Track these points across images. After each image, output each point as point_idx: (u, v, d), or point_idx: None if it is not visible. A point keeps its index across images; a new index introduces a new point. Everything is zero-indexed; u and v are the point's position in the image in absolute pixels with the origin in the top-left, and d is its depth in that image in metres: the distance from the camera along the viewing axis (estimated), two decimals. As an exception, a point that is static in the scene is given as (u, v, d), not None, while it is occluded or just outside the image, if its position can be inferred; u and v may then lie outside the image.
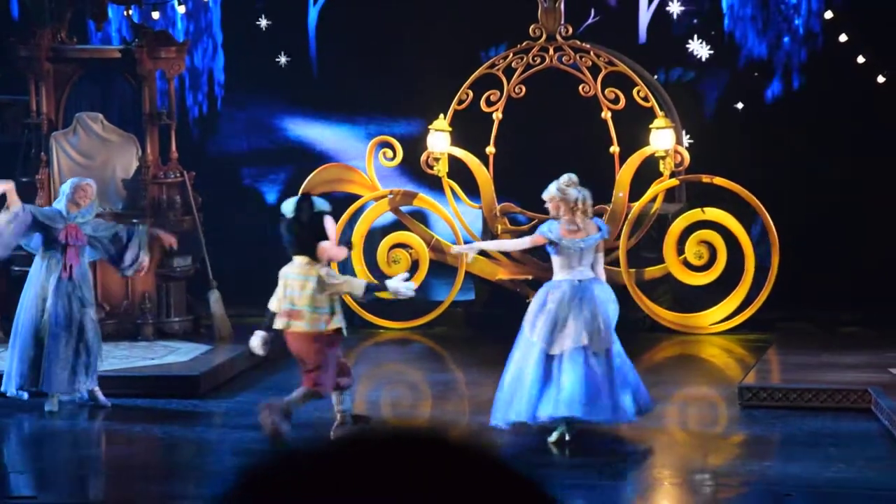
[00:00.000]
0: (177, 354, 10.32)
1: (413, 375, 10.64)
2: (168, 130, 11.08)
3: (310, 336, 8.41)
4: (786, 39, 14.27)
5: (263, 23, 15.06)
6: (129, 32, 11.08)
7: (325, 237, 8.40)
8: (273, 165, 15.16)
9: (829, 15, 13.27)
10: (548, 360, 8.42)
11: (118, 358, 10.20)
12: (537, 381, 8.36)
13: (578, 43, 12.14)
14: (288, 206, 8.48)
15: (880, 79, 13.51)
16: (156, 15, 12.94)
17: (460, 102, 11.97)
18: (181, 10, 14.10)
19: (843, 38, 13.10)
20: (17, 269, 11.02)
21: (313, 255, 8.42)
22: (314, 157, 14.89)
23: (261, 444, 8.54)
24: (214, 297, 10.81)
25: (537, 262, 11.83)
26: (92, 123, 10.98)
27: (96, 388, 9.29)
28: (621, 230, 11.51)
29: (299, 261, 8.49)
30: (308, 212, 8.42)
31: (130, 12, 11.20)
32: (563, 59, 11.93)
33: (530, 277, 11.85)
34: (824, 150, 13.93)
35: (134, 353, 10.36)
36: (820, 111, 14.06)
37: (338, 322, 8.38)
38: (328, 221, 8.46)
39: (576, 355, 8.34)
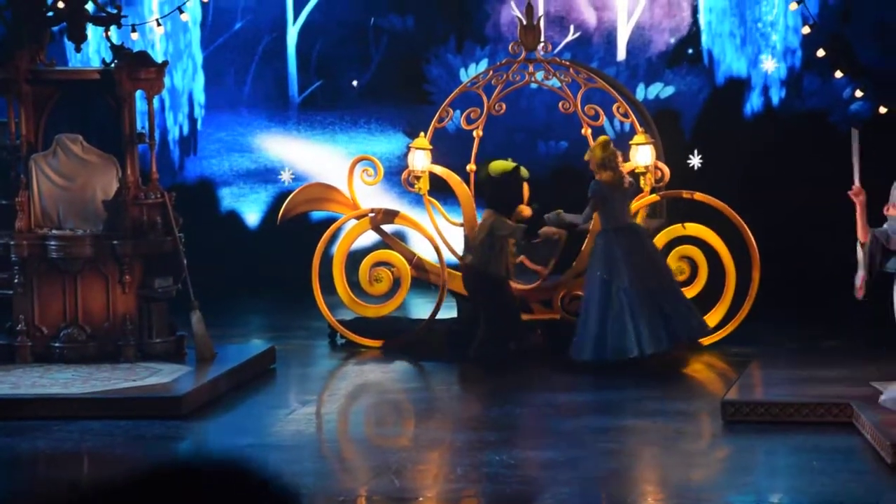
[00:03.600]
0: (159, 375, 10.29)
1: (396, 394, 10.63)
2: (148, 151, 11.07)
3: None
4: (764, 55, 14.34)
5: (243, 41, 15.09)
6: (108, 53, 11.06)
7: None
8: (253, 185, 15.16)
9: (806, 30, 13.33)
10: None
11: (99, 380, 10.16)
12: None
13: (558, 60, 12.17)
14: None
15: (858, 93, 13.58)
16: (135, 36, 12.94)
17: (440, 120, 11.98)
18: (160, 30, 14.11)
19: (820, 53, 13.16)
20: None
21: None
22: (295, 177, 14.90)
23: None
24: (196, 318, 10.79)
25: (518, 282, 11.83)
26: (71, 145, 10.96)
27: None
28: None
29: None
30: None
31: (110, 33, 11.18)
32: (543, 76, 11.95)
33: (512, 294, 11.86)
34: (804, 165, 13.98)
35: (115, 374, 10.32)
36: (800, 126, 14.12)
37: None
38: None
39: None
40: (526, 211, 11.33)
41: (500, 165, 11.39)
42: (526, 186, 11.33)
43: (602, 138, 11.23)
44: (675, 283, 11.12)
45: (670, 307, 10.83)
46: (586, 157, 11.16)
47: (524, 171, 11.37)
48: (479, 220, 11.35)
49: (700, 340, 11.29)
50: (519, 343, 11.28)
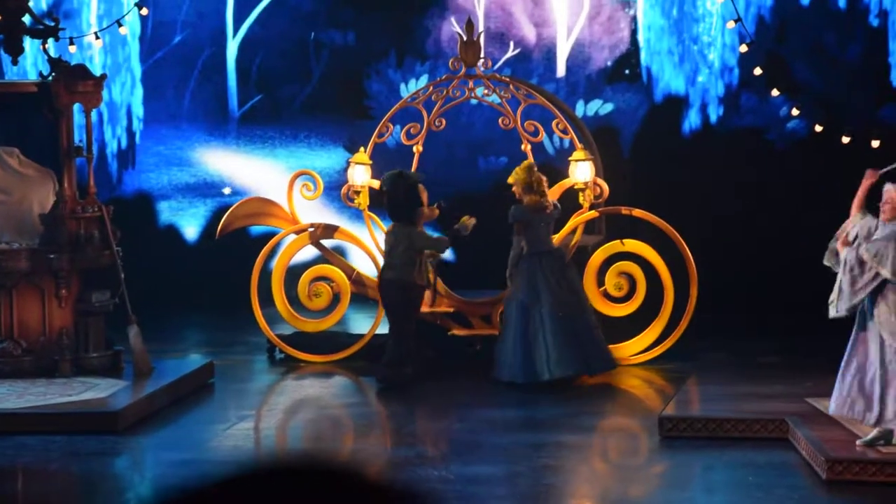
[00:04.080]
0: (95, 390, 10.22)
1: (335, 409, 10.61)
2: (86, 164, 10.99)
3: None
4: (702, 73, 14.45)
5: (183, 55, 15.04)
6: (45, 66, 10.98)
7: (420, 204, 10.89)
8: (192, 199, 15.10)
9: (743, 49, 13.45)
10: None
11: (35, 395, 10.07)
12: None
13: (498, 76, 12.21)
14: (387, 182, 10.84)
15: (794, 111, 13.71)
16: (73, 49, 12.86)
17: (381, 135, 11.98)
18: (98, 44, 14.03)
19: (757, 71, 13.28)
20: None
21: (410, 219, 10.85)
22: (234, 191, 14.85)
23: (181, 481, 8.46)
24: (133, 332, 10.73)
25: (457, 297, 11.85)
26: (8, 158, 10.88)
27: None
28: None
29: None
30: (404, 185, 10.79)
31: (47, 46, 11.11)
32: (483, 91, 11.99)
33: (451, 310, 11.86)
34: (742, 181, 14.10)
35: (51, 389, 10.24)
36: (737, 143, 14.24)
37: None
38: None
39: None
40: (434, 212, 11.29)
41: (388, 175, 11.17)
42: (422, 188, 11.11)
43: (526, 162, 11.25)
44: (590, 311, 11.14)
45: (585, 336, 10.88)
46: (510, 181, 11.16)
47: (415, 175, 11.19)
48: (387, 234, 11.08)
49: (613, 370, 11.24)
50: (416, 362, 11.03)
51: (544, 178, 11.12)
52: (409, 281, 10.90)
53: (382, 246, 11.34)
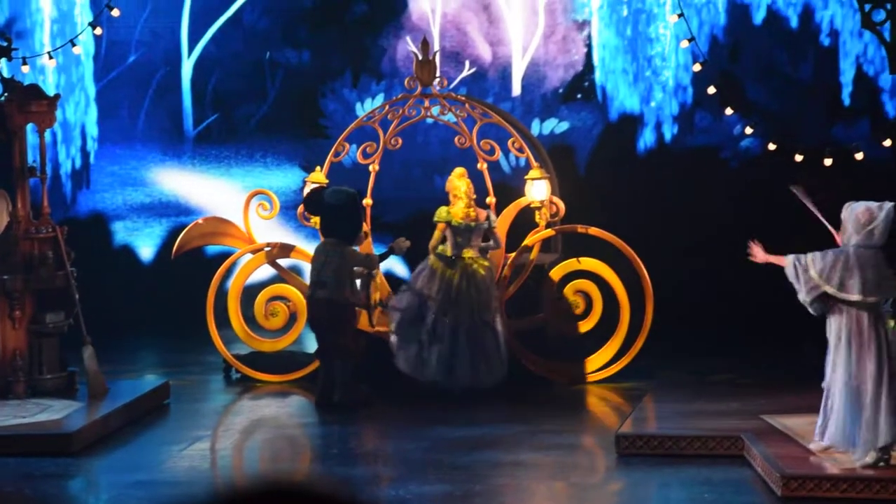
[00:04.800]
0: (49, 412, 10.15)
1: (291, 429, 10.58)
2: (39, 185, 10.93)
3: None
4: (655, 98, 14.55)
5: (137, 74, 15.00)
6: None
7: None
8: (147, 219, 15.04)
9: (697, 68, 13.54)
10: None
11: (-12, 417, 10.00)
12: None
13: (454, 95, 12.24)
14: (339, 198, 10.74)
15: (748, 130, 13.81)
16: (26, 69, 12.80)
17: (337, 154, 11.98)
18: (51, 63, 13.97)
19: (711, 90, 13.37)
20: None
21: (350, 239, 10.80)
22: (189, 211, 14.80)
23: (136, 502, 8.43)
24: (88, 354, 10.66)
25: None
26: (-39, 178, 10.81)
27: None
28: (498, 281, 11.58)
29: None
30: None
31: (0, 65, 11.06)
32: (439, 110, 12.01)
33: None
34: (697, 199, 14.19)
35: (4, 411, 10.16)
36: (692, 162, 14.33)
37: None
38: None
39: None
40: (367, 237, 11.42)
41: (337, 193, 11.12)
42: (366, 210, 11.30)
43: (458, 169, 11.40)
44: (495, 323, 11.11)
45: (475, 345, 10.92)
46: (447, 188, 11.33)
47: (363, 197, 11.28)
48: (316, 252, 10.95)
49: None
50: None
51: (471, 185, 11.29)
52: (342, 300, 10.83)
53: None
